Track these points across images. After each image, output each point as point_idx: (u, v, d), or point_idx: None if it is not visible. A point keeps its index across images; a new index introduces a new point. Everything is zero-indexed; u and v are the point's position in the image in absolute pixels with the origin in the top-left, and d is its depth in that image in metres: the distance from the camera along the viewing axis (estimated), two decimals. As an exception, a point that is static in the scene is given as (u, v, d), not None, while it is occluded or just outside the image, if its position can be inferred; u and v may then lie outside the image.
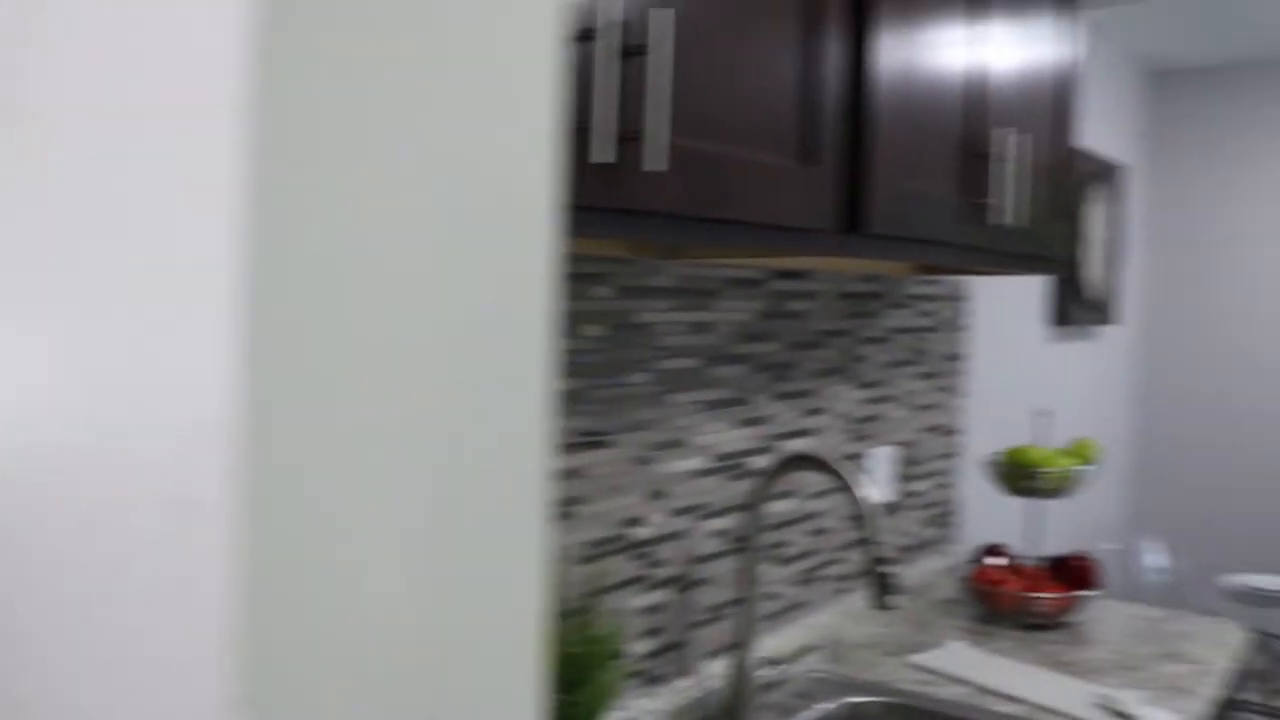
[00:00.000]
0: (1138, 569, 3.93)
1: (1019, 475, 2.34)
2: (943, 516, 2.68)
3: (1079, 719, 1.82)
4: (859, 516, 1.57)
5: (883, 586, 1.53)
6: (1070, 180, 2.23)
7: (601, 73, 0.92)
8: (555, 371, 1.14)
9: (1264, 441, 4.13)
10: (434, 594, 0.56)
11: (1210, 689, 2.07)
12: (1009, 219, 1.84)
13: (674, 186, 1.05)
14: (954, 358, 2.68)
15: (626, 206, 1.00)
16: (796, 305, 2.03)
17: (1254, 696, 4.02)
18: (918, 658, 2.12)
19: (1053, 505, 3.42)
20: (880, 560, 1.53)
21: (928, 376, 2.55)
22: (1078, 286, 3.44)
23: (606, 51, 0.93)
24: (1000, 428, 2.97)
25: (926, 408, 2.55)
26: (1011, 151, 1.84)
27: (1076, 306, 3.45)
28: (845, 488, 1.58)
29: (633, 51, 0.98)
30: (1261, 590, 3.57)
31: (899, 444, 2.42)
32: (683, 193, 1.06)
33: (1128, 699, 1.89)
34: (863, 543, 1.53)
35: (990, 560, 2.47)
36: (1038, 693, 1.91)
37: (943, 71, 1.63)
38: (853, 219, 1.40)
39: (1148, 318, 4.33)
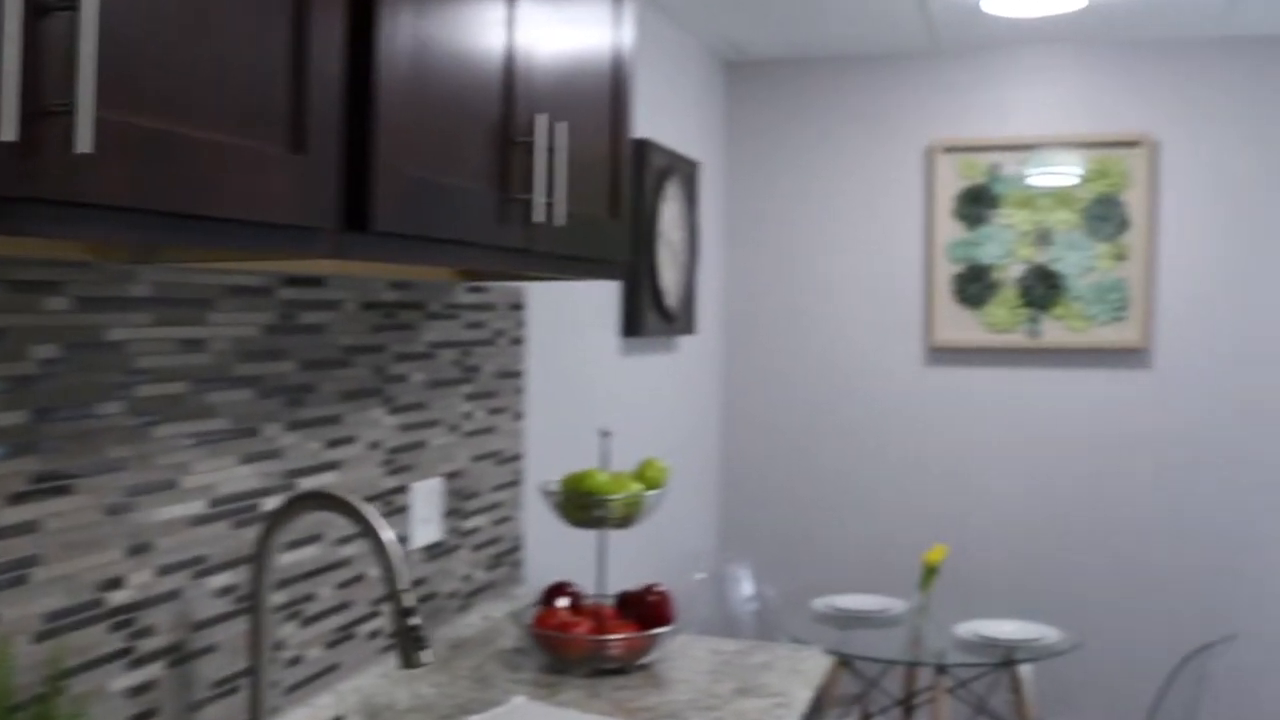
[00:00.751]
0: (728, 598, 4.19)
1: (581, 504, 2.43)
2: (503, 555, 2.74)
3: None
4: (383, 563, 1.57)
5: (410, 642, 1.54)
6: (629, 175, 2.35)
7: (9, 29, 0.87)
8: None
9: (850, 455, 4.54)
10: None
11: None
12: (556, 217, 1.91)
13: (112, 173, 1.01)
14: (510, 374, 2.75)
15: (50, 196, 0.95)
16: (313, 317, 2.00)
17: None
18: (475, 719, 2.15)
19: (626, 535, 3.58)
20: (406, 612, 1.54)
21: (480, 397, 2.60)
22: (655, 293, 3.63)
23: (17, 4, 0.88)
24: (567, 452, 3.08)
25: (479, 432, 2.60)
26: (557, 141, 1.91)
27: (653, 315, 3.64)
28: (366, 530, 1.58)
29: (54, 6, 0.94)
30: (848, 611, 3.90)
31: (447, 475, 2.45)
32: (125, 181, 1.02)
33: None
34: (389, 594, 1.54)
35: (558, 602, 2.55)
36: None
37: (474, 52, 1.66)
38: (356, 216, 1.40)
39: (727, 327, 4.64)
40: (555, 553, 3.02)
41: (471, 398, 2.56)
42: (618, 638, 2.40)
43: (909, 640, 3.70)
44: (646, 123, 3.71)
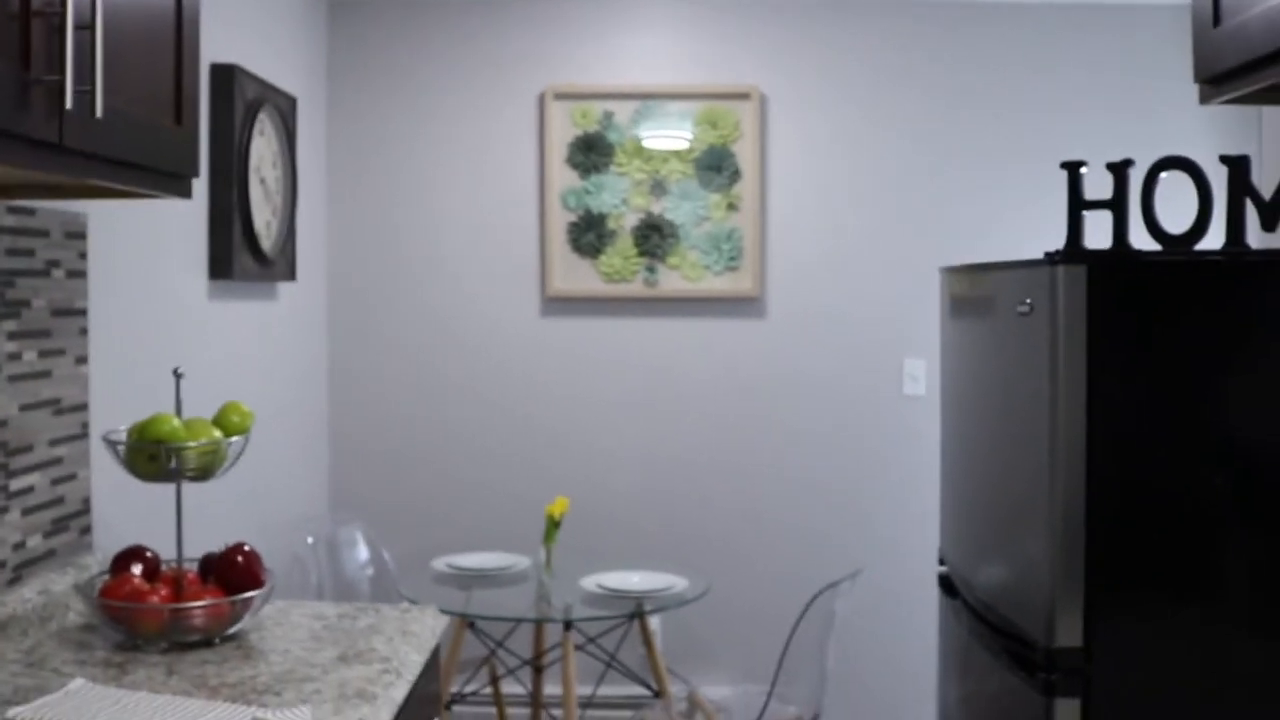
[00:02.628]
0: (341, 564, 3.89)
1: (150, 455, 2.09)
2: (66, 519, 2.35)
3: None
4: None
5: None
6: (195, 78, 2.03)
7: None
8: None
9: (466, 410, 4.31)
10: None
11: (398, 690, 1.99)
12: (96, 109, 1.57)
13: None
14: (69, 313, 2.36)
15: None
16: None
17: (472, 686, 4.17)
18: (19, 711, 1.79)
19: (218, 498, 3.23)
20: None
21: (29, 336, 2.20)
22: (248, 234, 3.28)
23: None
24: (144, 402, 2.70)
25: (30, 377, 2.20)
26: (98, 17, 1.57)
27: (246, 257, 3.28)
28: None
29: None
30: (470, 570, 3.69)
31: (-12, 425, 2.06)
32: None
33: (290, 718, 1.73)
34: None
35: (132, 569, 2.20)
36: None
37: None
38: None
39: (332, 276, 4.31)
40: (132, 517, 2.63)
41: (17, 336, 2.17)
42: (199, 604, 2.08)
43: (535, 597, 3.53)
44: (235, 48, 3.34)
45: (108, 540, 2.53)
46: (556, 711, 4.16)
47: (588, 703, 4.18)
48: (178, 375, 2.22)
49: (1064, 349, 1.88)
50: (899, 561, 4.27)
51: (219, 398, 3.15)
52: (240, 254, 3.24)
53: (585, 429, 4.31)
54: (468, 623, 3.69)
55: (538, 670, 3.90)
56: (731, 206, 4.22)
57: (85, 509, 2.44)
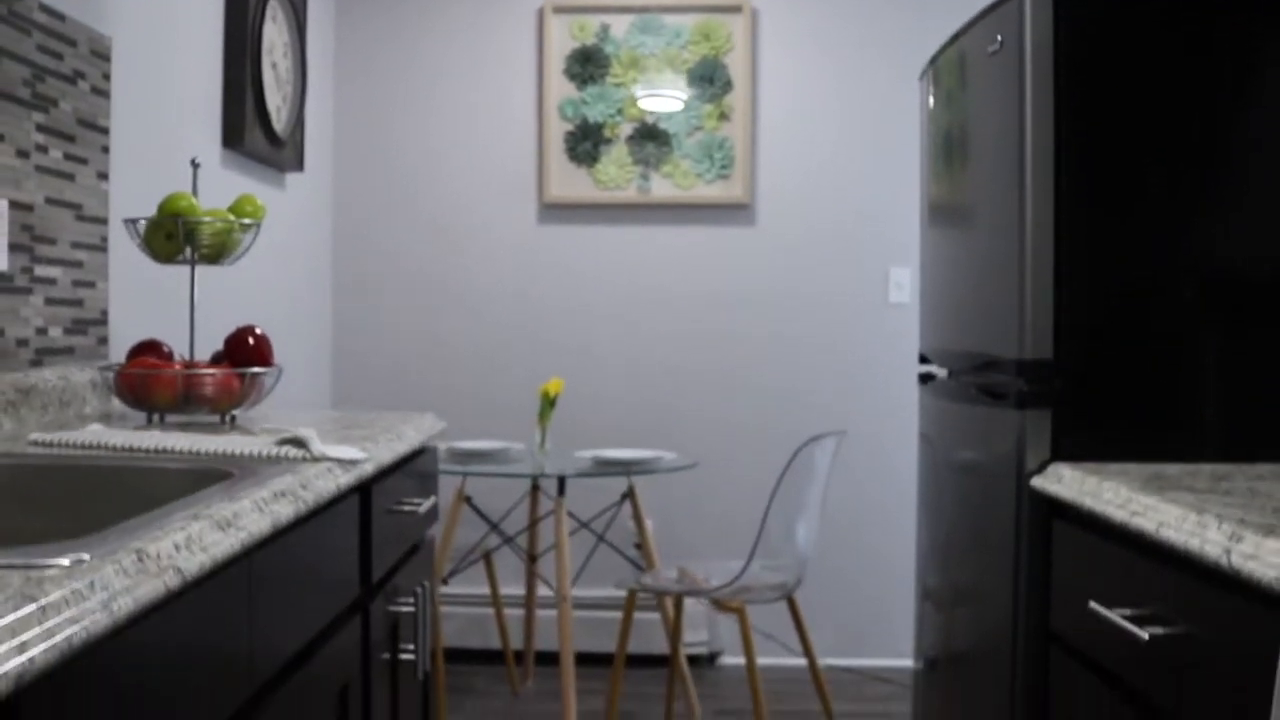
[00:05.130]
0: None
1: (169, 232, 2.19)
2: (86, 324, 2.46)
3: (258, 454, 1.72)
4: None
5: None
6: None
7: None
8: None
9: (465, 311, 4.42)
10: None
11: (402, 445, 2.10)
12: None
13: None
14: (93, 127, 2.47)
15: None
16: None
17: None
18: (40, 435, 1.89)
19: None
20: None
21: (56, 135, 2.31)
22: (260, 110, 3.39)
23: None
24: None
25: (55, 174, 2.31)
26: None
27: (258, 133, 3.39)
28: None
29: None
30: (467, 450, 3.79)
31: (13, 204, 2.16)
32: None
33: (310, 436, 1.84)
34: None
35: (146, 358, 2.30)
36: (209, 445, 1.78)
37: None
38: None
39: (336, 176, 4.43)
40: (146, 317, 2.73)
41: (45, 130, 2.28)
42: (210, 371, 2.19)
43: (531, 471, 3.62)
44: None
45: (124, 355, 2.63)
46: (548, 601, 4.25)
47: (577, 578, 4.29)
48: (195, 165, 2.33)
49: (1032, 83, 1.85)
50: (881, 464, 4.36)
51: (225, 285, 3.26)
52: (252, 128, 3.36)
53: (580, 331, 4.41)
54: (464, 498, 3.79)
55: (531, 540, 3.99)
56: (723, 116, 4.34)
57: (103, 319, 2.54)
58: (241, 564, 1.31)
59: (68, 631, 0.88)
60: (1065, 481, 1.65)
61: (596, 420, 4.38)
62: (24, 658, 0.82)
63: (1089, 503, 1.54)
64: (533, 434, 4.07)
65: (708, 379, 4.40)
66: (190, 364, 2.26)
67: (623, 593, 4.19)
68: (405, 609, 2.15)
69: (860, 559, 4.39)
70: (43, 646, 0.84)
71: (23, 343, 2.23)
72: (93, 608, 0.93)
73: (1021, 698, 1.82)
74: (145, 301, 2.75)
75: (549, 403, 3.73)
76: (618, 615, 4.17)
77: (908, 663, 4.34)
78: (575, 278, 4.41)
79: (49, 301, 2.32)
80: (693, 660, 4.35)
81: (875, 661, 4.39)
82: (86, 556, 1.01)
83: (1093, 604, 1.47)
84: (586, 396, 4.39)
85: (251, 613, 1.34)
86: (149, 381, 2.16)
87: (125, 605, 0.98)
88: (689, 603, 4.26)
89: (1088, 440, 1.79)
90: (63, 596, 0.91)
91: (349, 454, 1.77)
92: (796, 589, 3.45)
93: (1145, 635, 1.31)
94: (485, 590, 4.28)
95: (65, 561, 0.99)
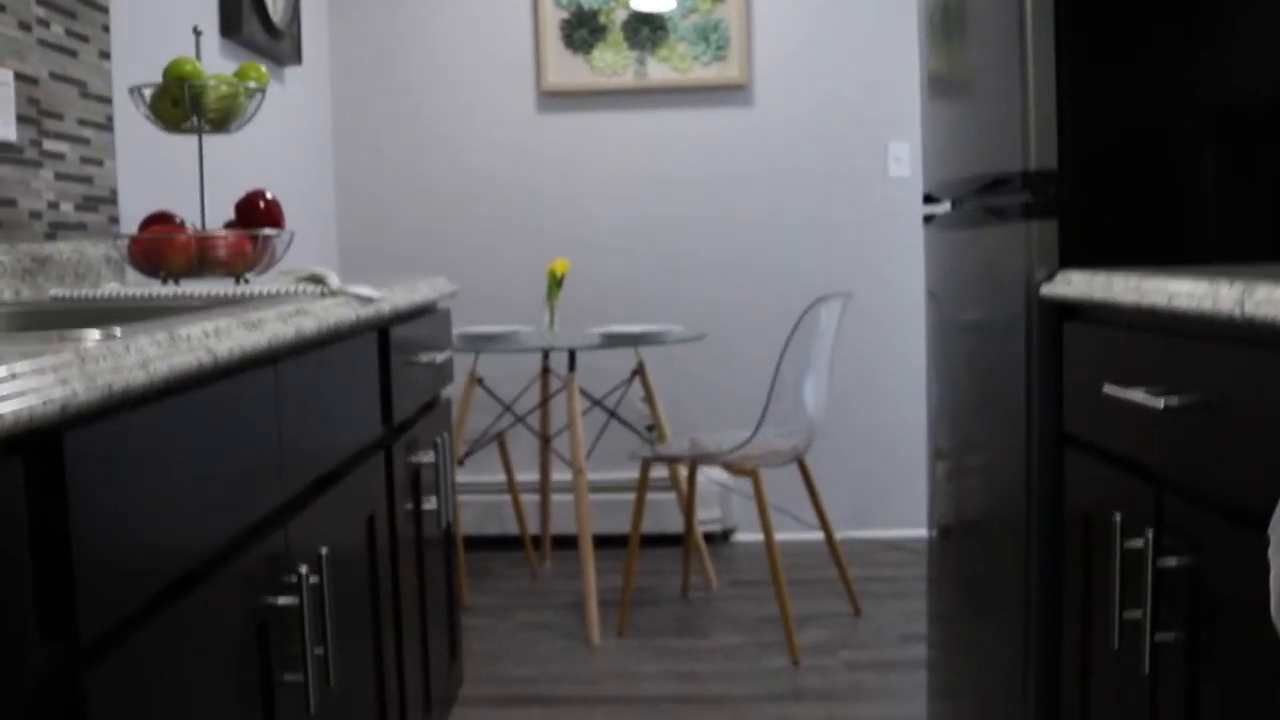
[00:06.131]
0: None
1: (175, 98, 2.18)
2: (96, 202, 2.45)
3: (277, 292, 1.73)
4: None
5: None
6: None
7: None
8: None
9: (464, 202, 4.40)
10: None
11: (419, 294, 2.10)
12: None
13: None
14: (95, 6, 2.45)
15: None
16: None
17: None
18: (60, 290, 1.90)
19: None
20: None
21: (56, 10, 2.29)
22: (258, 2, 3.36)
23: None
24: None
25: (58, 49, 2.29)
26: None
27: (255, 21, 3.36)
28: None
29: None
30: (476, 334, 3.79)
31: (18, 75, 2.15)
32: None
33: (328, 273, 1.84)
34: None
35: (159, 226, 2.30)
36: (227, 290, 1.79)
37: None
38: None
39: (334, 68, 4.39)
40: (157, 208, 2.72)
41: (45, 5, 2.26)
42: (223, 233, 2.19)
43: (541, 346, 3.63)
44: None
45: (136, 209, 2.63)
46: (563, 486, 4.28)
47: (590, 453, 4.33)
48: (197, 33, 2.31)
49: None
50: (886, 336, 4.37)
51: (230, 163, 3.25)
52: (249, 18, 3.33)
53: (583, 218, 4.40)
54: (477, 379, 3.81)
55: (544, 418, 4.02)
56: (718, -3, 4.30)
57: (113, 199, 2.54)
58: (268, 369, 1.32)
59: (108, 378, 0.89)
60: (1074, 284, 1.65)
61: (603, 303, 4.38)
62: (67, 390, 0.83)
63: (1099, 295, 1.54)
64: (541, 317, 4.08)
65: (712, 260, 4.39)
66: (203, 231, 2.26)
67: (635, 474, 4.22)
68: (426, 459, 2.17)
69: (869, 434, 4.42)
70: (84, 385, 0.85)
71: (35, 215, 2.22)
72: (130, 364, 0.94)
73: (1038, 519, 1.83)
74: (154, 179, 2.75)
75: (556, 283, 3.73)
76: (632, 497, 4.21)
77: (921, 532, 4.39)
78: (576, 166, 4.39)
79: (59, 176, 2.31)
80: (707, 538, 4.39)
81: (888, 533, 4.43)
82: (119, 332, 1.02)
83: (1107, 387, 1.48)
84: (592, 281, 4.38)
85: (280, 422, 1.36)
86: (162, 246, 2.17)
87: (160, 369, 0.99)
88: (702, 481, 4.30)
89: (1095, 249, 1.79)
90: (100, 352, 0.92)
91: (367, 291, 1.77)
92: (807, 451, 3.47)
93: (1160, 403, 1.32)
94: (500, 477, 4.31)
95: (97, 335, 1.00)
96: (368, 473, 1.77)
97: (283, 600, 1.30)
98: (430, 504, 2.18)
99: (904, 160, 4.35)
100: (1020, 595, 1.89)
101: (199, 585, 1.11)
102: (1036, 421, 1.79)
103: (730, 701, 2.96)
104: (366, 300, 1.75)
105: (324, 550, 1.40)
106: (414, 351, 2.15)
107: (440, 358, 2.23)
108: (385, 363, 1.92)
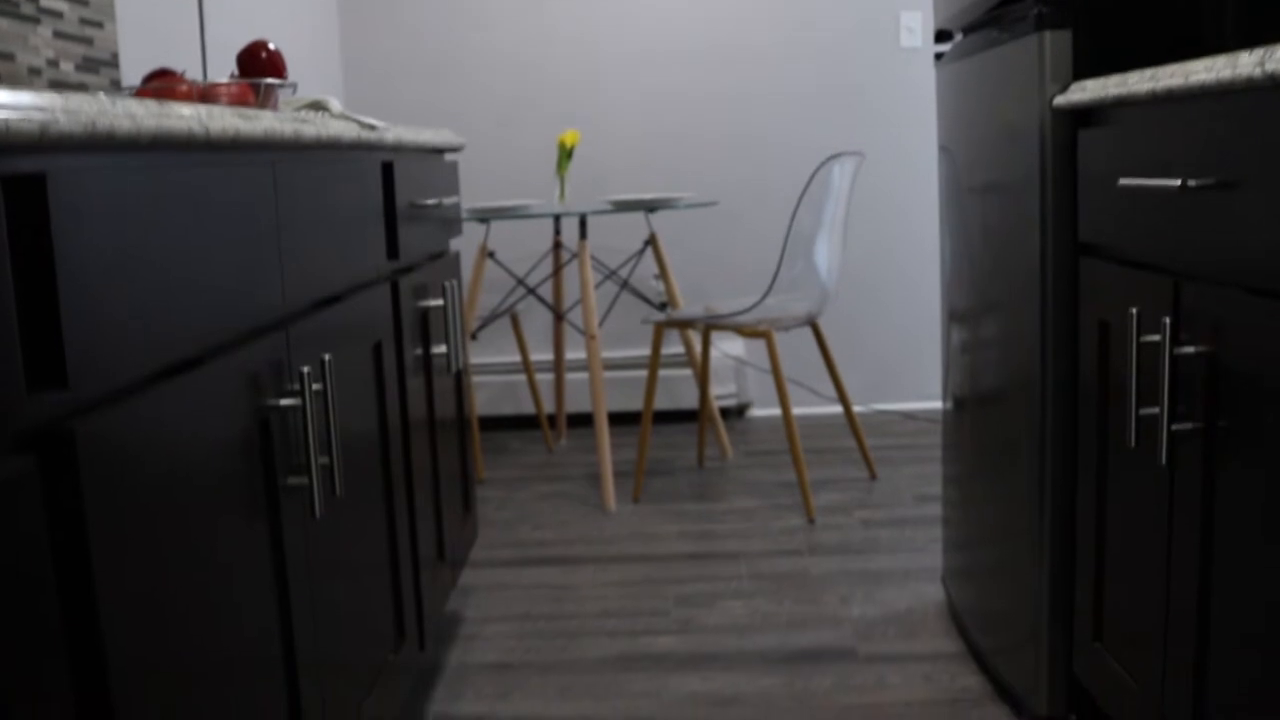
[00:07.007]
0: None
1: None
2: (96, 64, 2.41)
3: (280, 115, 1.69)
4: None
5: None
6: None
7: None
8: None
9: (469, 73, 4.33)
10: None
11: (424, 135, 2.05)
12: None
13: None
14: None
15: None
16: None
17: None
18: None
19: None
20: None
21: None
22: None
23: None
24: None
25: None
26: None
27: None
28: None
29: None
30: (487, 208, 3.75)
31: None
32: None
33: (332, 100, 1.80)
34: None
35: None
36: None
37: None
38: None
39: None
40: (158, 47, 2.68)
41: None
42: (225, 82, 2.14)
43: (552, 212, 3.58)
44: None
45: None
46: (577, 365, 4.26)
47: (603, 321, 4.31)
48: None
49: None
50: (898, 205, 4.32)
51: (232, 41, 3.18)
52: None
53: (591, 92, 4.33)
54: (488, 253, 3.77)
55: (556, 291, 3.99)
56: None
57: (114, 62, 2.49)
58: (265, 164, 1.28)
59: (92, 115, 0.86)
60: (1089, 89, 1.60)
61: (614, 176, 4.33)
62: (48, 114, 0.79)
63: (1114, 91, 1.49)
64: (552, 192, 4.04)
65: (723, 132, 4.33)
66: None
67: (649, 351, 4.20)
68: (434, 304, 2.14)
69: (883, 310, 4.38)
70: (66, 118, 0.82)
71: (35, 71, 2.18)
72: (117, 113, 0.91)
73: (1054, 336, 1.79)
74: (155, 42, 2.70)
75: (566, 154, 3.68)
76: (645, 374, 4.19)
77: (936, 404, 4.37)
78: (587, 37, 4.31)
79: (57, 35, 2.26)
80: (723, 413, 4.38)
81: (902, 405, 4.41)
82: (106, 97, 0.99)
83: (1124, 180, 1.43)
84: (603, 154, 4.33)
85: (279, 225, 1.33)
86: (164, 97, 2.12)
87: (148, 125, 0.95)
88: (716, 356, 4.27)
89: (1108, 59, 1.73)
90: (86, 100, 0.88)
91: (371, 120, 1.73)
92: (820, 314, 3.44)
93: (1178, 182, 1.28)
94: (515, 357, 4.30)
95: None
96: (373, 300, 1.74)
97: (285, 401, 1.28)
98: (440, 349, 2.15)
99: (915, 30, 4.26)
100: (1036, 429, 1.86)
101: (198, 369, 1.09)
102: (1051, 235, 1.75)
103: (746, 556, 2.96)
104: (369, 126, 1.71)
105: (327, 357, 1.38)
106: (419, 192, 2.11)
107: (447, 201, 2.19)
108: (390, 195, 1.89)
